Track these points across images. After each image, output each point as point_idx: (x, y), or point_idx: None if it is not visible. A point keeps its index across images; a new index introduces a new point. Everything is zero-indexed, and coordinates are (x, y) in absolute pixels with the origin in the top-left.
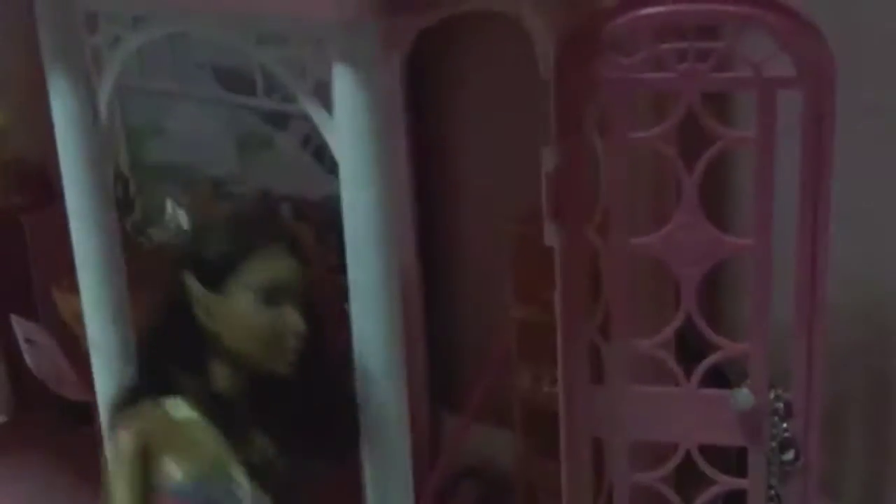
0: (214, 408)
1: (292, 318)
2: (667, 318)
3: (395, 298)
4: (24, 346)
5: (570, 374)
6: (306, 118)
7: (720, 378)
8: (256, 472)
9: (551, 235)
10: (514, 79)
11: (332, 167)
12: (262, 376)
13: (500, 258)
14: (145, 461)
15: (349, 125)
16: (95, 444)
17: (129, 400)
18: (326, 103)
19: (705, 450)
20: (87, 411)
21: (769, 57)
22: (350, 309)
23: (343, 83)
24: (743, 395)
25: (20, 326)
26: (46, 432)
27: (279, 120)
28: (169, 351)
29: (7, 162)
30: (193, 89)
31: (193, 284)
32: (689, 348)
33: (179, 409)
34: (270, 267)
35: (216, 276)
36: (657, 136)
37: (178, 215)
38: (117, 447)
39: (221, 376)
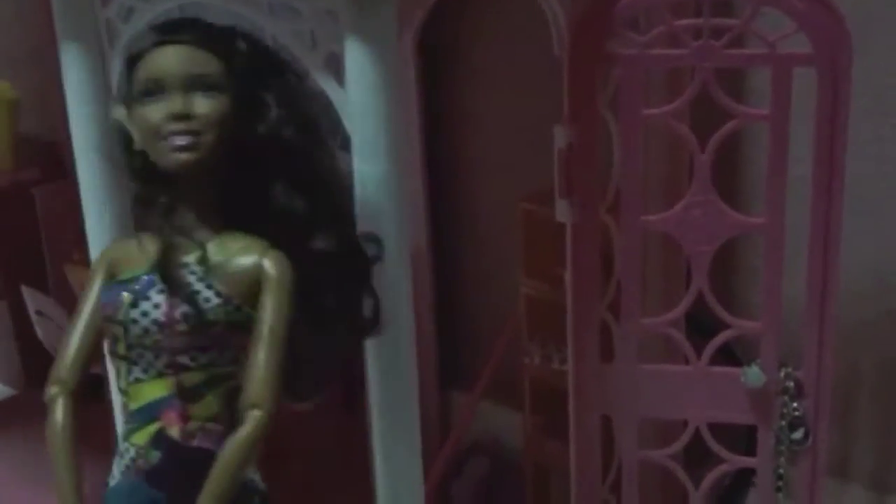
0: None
1: (161, 107)
2: (677, 297)
3: (405, 273)
4: (34, 318)
5: (581, 352)
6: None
7: (731, 358)
8: None
9: (563, 213)
10: (526, 55)
11: (343, 143)
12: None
13: (511, 236)
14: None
15: (361, 98)
16: (106, 416)
17: None
18: (338, 76)
19: (714, 429)
20: (96, 384)
21: (785, 34)
22: None
23: (355, 56)
24: (753, 373)
25: (31, 298)
26: None
27: None
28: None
29: (18, 137)
30: None
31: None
32: (699, 327)
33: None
34: (147, 65)
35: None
36: (670, 113)
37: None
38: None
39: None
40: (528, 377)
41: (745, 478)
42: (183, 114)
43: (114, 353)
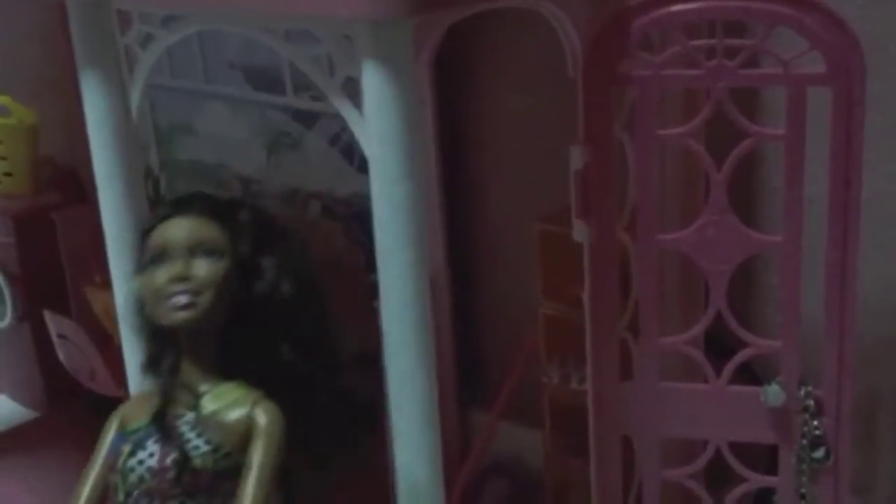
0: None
1: (163, 272)
2: (695, 316)
3: (425, 294)
4: (56, 341)
5: (600, 372)
6: (335, 117)
7: (751, 377)
8: None
9: (580, 233)
10: (541, 75)
11: (360, 165)
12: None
13: (527, 256)
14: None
15: (379, 122)
16: None
17: None
18: (356, 100)
19: (735, 448)
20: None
21: (799, 54)
22: (379, 306)
23: (373, 80)
24: (773, 392)
25: (53, 322)
26: (79, 427)
27: (308, 119)
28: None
29: (39, 161)
30: (223, 89)
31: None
32: (718, 346)
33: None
34: (153, 239)
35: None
36: (686, 133)
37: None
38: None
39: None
40: (548, 397)
41: (766, 497)
42: (183, 276)
43: (114, 500)
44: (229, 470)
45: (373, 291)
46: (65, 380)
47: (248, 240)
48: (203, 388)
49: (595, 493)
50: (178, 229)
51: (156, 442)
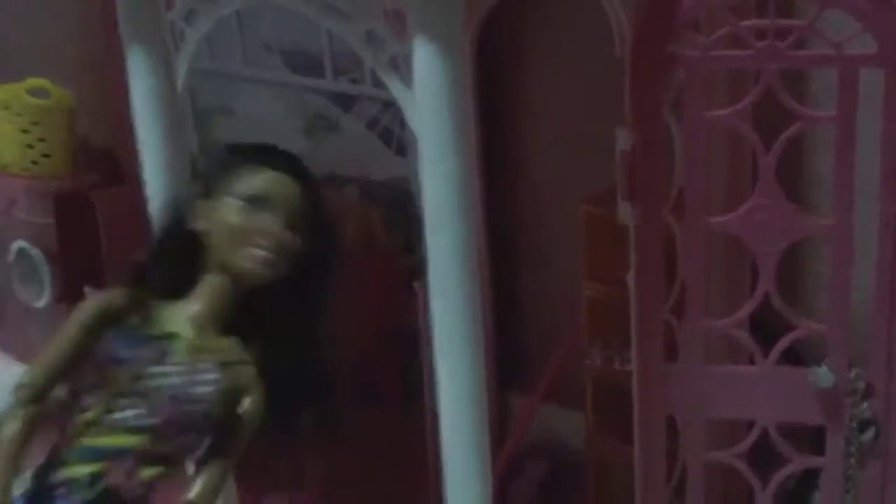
0: None
1: (265, 221)
2: (740, 298)
3: (473, 270)
4: None
5: (645, 353)
6: (374, 100)
7: (797, 362)
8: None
9: (626, 215)
10: (587, 56)
11: (399, 149)
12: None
13: (569, 238)
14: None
15: (428, 96)
16: None
17: None
18: (403, 76)
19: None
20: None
21: (851, 36)
22: (428, 281)
23: (423, 55)
24: (822, 373)
25: None
26: None
27: (346, 102)
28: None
29: (76, 142)
30: (261, 72)
31: (190, 191)
32: (763, 329)
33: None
34: (259, 179)
35: (211, 186)
36: (735, 115)
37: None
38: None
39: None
40: (590, 378)
41: (810, 480)
42: (275, 235)
43: (99, 387)
44: (214, 421)
45: (410, 273)
46: None
47: (318, 230)
48: (218, 332)
49: (638, 474)
50: (287, 189)
51: (177, 366)
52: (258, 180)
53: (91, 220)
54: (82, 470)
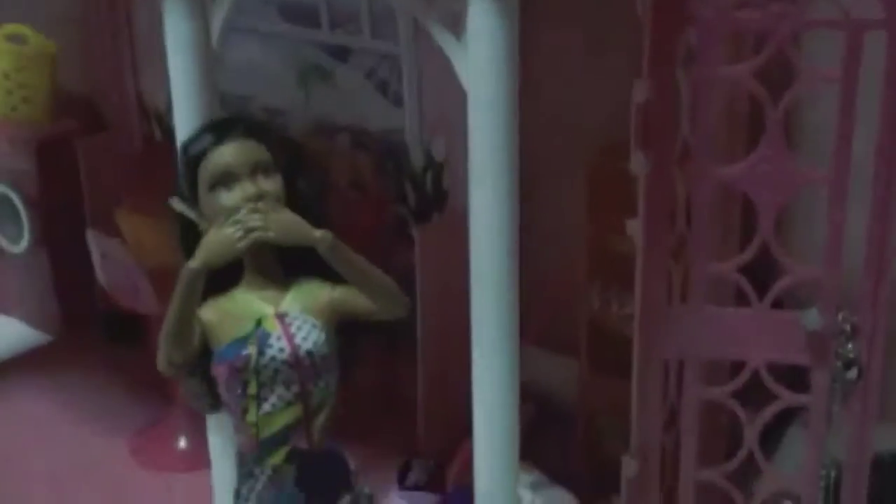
0: None
1: (245, 189)
2: (732, 246)
3: (515, 219)
4: (98, 261)
5: (649, 296)
6: (372, 52)
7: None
8: None
9: (638, 164)
10: (597, 13)
11: (396, 100)
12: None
13: (571, 186)
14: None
15: (482, 51)
16: (147, 359)
17: None
18: (455, 30)
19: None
20: (132, 330)
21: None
22: (469, 227)
23: (479, 8)
24: (812, 316)
25: (96, 242)
26: (94, 350)
27: (342, 53)
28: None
29: (58, 90)
30: (257, 23)
31: (178, 203)
32: (750, 274)
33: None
34: (213, 160)
35: (189, 193)
36: (747, 71)
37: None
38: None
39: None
40: (586, 321)
41: (783, 419)
42: (257, 195)
43: (242, 395)
44: (331, 353)
45: (401, 221)
46: (80, 305)
47: (286, 158)
48: (281, 289)
49: (635, 414)
50: (239, 152)
51: (278, 339)
52: (214, 162)
53: (72, 166)
54: (277, 458)
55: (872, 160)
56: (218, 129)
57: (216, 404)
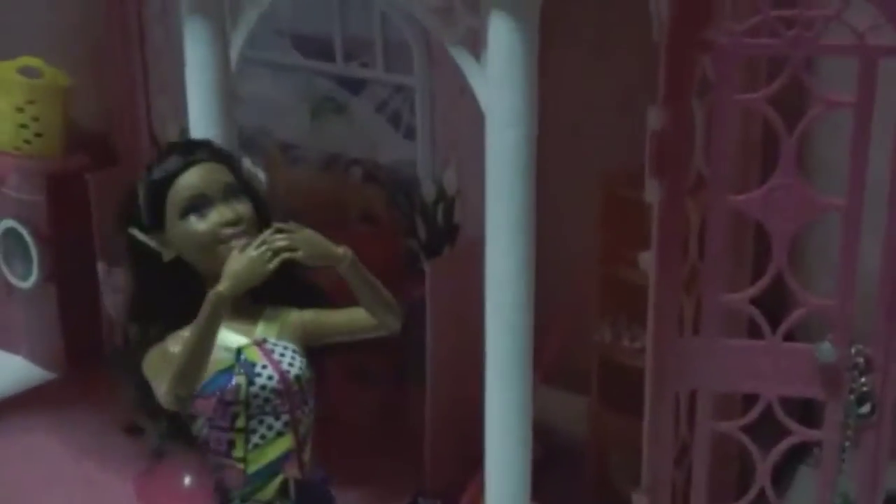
0: None
1: (220, 215)
2: (743, 277)
3: (532, 237)
4: (110, 294)
5: (662, 327)
6: (384, 84)
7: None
8: None
9: (652, 192)
10: (613, 42)
11: (407, 132)
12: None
13: (583, 217)
14: None
15: (502, 70)
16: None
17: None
18: (474, 50)
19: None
20: (139, 367)
21: (874, 26)
22: (486, 245)
23: (499, 29)
24: (826, 349)
25: (110, 275)
26: (100, 387)
27: (355, 85)
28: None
29: (70, 124)
30: (268, 54)
31: (138, 233)
32: (761, 307)
33: None
34: (185, 184)
35: (155, 217)
36: (762, 99)
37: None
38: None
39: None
40: (598, 355)
41: (795, 456)
42: (235, 219)
43: (230, 429)
44: (312, 377)
45: (411, 255)
46: (86, 341)
47: (245, 179)
48: (249, 317)
49: (647, 447)
50: (210, 175)
51: (263, 367)
52: (186, 185)
53: (83, 200)
54: (268, 492)
55: (887, 189)
56: (184, 152)
57: (190, 444)
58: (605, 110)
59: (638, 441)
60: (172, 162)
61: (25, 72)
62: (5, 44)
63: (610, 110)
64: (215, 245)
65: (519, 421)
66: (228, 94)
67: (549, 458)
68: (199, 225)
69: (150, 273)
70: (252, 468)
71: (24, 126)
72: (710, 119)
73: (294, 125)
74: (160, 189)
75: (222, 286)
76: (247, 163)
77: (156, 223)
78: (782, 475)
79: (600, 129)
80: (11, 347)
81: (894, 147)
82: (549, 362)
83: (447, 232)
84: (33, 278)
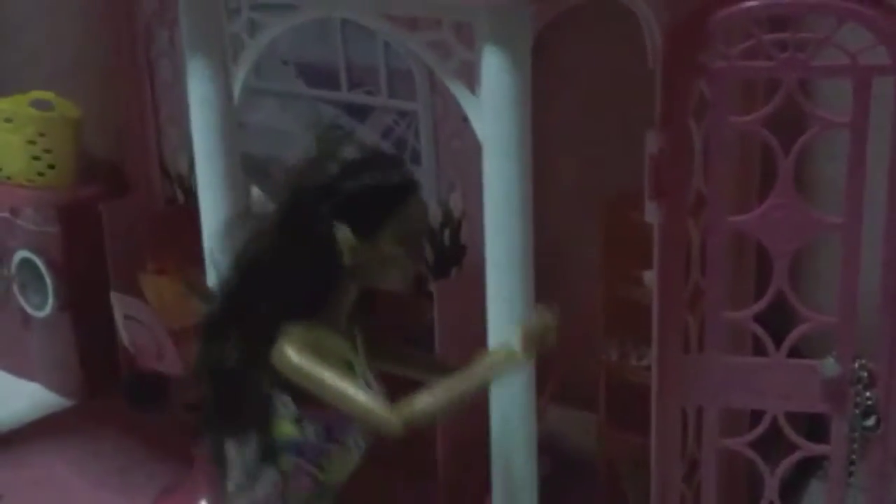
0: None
1: (410, 249)
2: (746, 295)
3: (529, 267)
4: (122, 322)
5: (666, 346)
6: (388, 111)
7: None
8: None
9: (652, 214)
10: (612, 67)
11: (413, 157)
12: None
13: (584, 239)
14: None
15: (495, 102)
16: (169, 424)
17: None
18: (469, 82)
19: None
20: (155, 394)
21: (866, 47)
22: (487, 275)
23: (491, 63)
24: (829, 364)
25: (120, 303)
26: (117, 414)
27: (361, 113)
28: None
29: (82, 153)
30: (274, 84)
31: (345, 233)
32: (763, 324)
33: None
34: (406, 218)
35: (367, 225)
36: (757, 121)
37: (263, 202)
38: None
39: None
40: (604, 374)
41: (805, 470)
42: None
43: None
44: None
45: (419, 277)
46: (101, 368)
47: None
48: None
49: (654, 465)
50: (422, 218)
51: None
52: (416, 220)
53: (96, 230)
54: None
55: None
56: (409, 178)
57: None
58: (607, 135)
59: (647, 457)
60: (405, 182)
61: (37, 104)
62: (17, 78)
63: (612, 135)
64: (391, 267)
65: (524, 439)
66: (232, 127)
67: (559, 474)
68: (396, 247)
69: (308, 260)
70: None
71: (36, 158)
72: (708, 141)
73: (301, 153)
74: (383, 203)
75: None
76: (255, 191)
77: (366, 232)
78: (794, 490)
79: (603, 153)
80: (28, 375)
81: (891, 164)
82: (555, 386)
83: (454, 254)
84: (49, 307)
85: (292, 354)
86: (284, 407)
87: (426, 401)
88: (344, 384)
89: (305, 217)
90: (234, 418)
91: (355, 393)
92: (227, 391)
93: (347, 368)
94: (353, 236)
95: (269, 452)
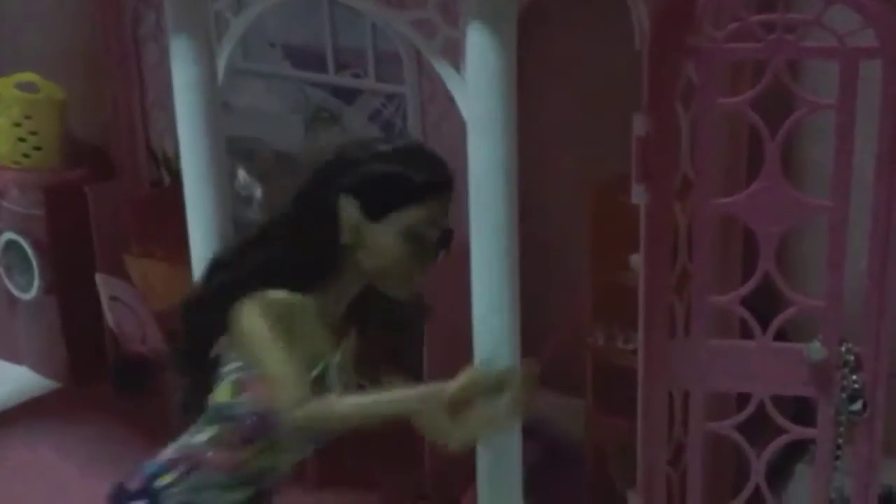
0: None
1: (426, 254)
2: (733, 278)
3: (514, 247)
4: (107, 303)
5: (652, 329)
6: (376, 93)
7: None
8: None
9: (639, 196)
10: (600, 51)
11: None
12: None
13: (573, 223)
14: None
15: (481, 81)
16: (156, 406)
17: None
18: (454, 61)
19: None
20: (141, 377)
21: (853, 30)
22: (472, 254)
23: (476, 41)
24: (815, 348)
25: (106, 284)
26: (102, 397)
27: (348, 95)
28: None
29: (68, 135)
30: (263, 67)
31: (352, 208)
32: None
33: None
34: (425, 216)
35: (377, 209)
36: (745, 103)
37: (249, 183)
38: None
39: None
40: (591, 357)
41: (791, 454)
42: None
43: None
44: None
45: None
46: (87, 351)
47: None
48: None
49: (641, 447)
50: (445, 219)
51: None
52: (440, 215)
53: (82, 212)
54: (240, 494)
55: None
56: (446, 186)
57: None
58: (594, 117)
59: (634, 442)
60: (435, 171)
61: (22, 87)
62: (2, 61)
63: (599, 117)
64: (400, 270)
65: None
66: (216, 109)
67: (547, 459)
68: (411, 247)
69: (307, 236)
70: (254, 465)
71: (22, 140)
72: (695, 123)
73: (288, 136)
74: (418, 190)
75: (449, 407)
76: (242, 174)
77: (375, 215)
78: (781, 474)
79: (590, 136)
80: (15, 358)
81: (878, 147)
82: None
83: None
84: (35, 290)
85: (250, 316)
86: (230, 372)
87: (343, 406)
88: (280, 347)
89: (322, 184)
90: (198, 362)
91: (284, 359)
92: (199, 333)
93: (312, 360)
94: (360, 214)
95: (195, 406)
